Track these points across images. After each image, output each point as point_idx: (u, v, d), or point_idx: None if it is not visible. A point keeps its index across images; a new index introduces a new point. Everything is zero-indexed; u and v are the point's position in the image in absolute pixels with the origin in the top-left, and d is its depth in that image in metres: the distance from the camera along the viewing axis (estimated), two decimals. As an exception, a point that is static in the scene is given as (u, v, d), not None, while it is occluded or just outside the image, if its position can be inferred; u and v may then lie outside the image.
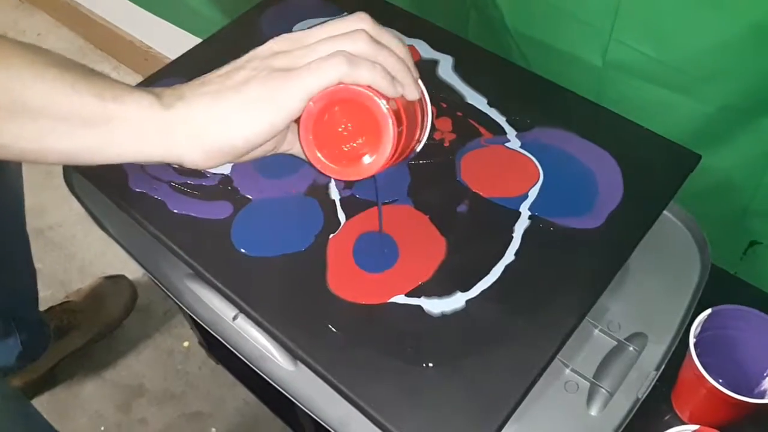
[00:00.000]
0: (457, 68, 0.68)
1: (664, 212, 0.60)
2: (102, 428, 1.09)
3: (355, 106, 0.41)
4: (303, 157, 0.45)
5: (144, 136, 0.37)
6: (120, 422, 1.10)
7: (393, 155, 0.42)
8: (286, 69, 0.39)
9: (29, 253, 0.99)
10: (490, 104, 0.65)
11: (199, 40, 0.75)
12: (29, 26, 1.75)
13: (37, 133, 0.37)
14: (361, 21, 0.42)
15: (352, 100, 0.41)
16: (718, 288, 0.61)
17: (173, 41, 1.23)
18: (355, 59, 0.39)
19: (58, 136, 0.37)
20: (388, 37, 0.43)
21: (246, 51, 0.69)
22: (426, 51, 0.70)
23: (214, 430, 1.07)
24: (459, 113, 0.64)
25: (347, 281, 0.53)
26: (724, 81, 0.58)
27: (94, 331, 1.15)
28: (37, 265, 1.09)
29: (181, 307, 0.66)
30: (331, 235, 0.56)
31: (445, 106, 0.65)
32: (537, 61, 0.72)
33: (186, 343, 1.16)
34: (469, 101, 0.65)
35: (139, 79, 0.69)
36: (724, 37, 0.56)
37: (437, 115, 0.64)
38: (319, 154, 0.43)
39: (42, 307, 1.10)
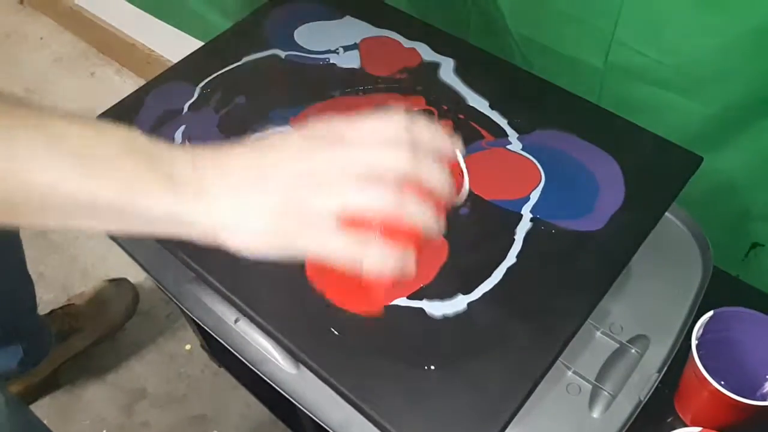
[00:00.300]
0: (459, 71, 0.68)
1: (666, 214, 0.60)
2: (104, 431, 1.09)
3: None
4: None
5: (158, 225, 0.37)
6: (122, 425, 1.10)
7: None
8: (305, 210, 0.36)
9: (24, 262, 0.99)
10: (492, 107, 0.65)
11: (201, 44, 0.76)
12: (32, 30, 1.75)
13: (52, 223, 0.37)
14: (398, 163, 0.37)
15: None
16: (720, 290, 0.61)
17: (176, 45, 1.23)
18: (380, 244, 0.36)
19: (69, 225, 0.38)
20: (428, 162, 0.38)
21: (246, 54, 0.70)
22: (427, 53, 0.70)
23: (216, 433, 1.07)
24: (461, 116, 0.64)
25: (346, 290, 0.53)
26: (726, 83, 0.58)
27: (97, 335, 1.15)
28: (39, 268, 1.10)
29: (183, 311, 0.66)
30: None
31: (446, 108, 0.65)
32: (539, 64, 0.72)
33: (188, 347, 1.16)
34: (471, 104, 0.65)
35: (142, 82, 0.69)
36: (726, 39, 0.56)
37: (438, 117, 0.64)
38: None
39: (44, 310, 1.10)
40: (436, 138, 0.39)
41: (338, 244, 0.36)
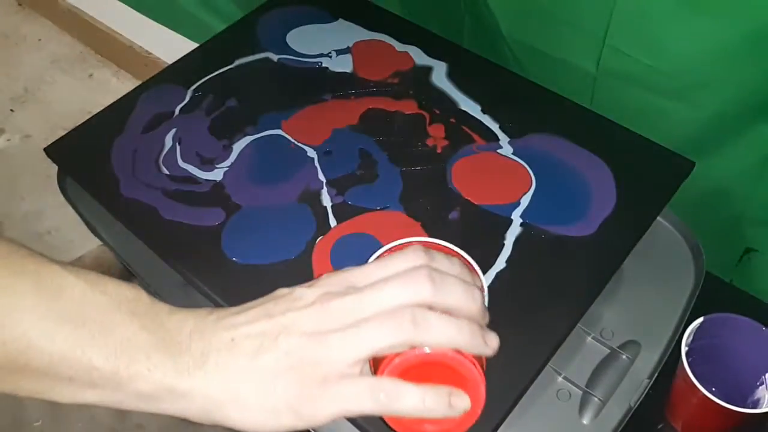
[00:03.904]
0: (451, 75, 0.68)
1: (658, 219, 0.60)
2: (98, 434, 1.09)
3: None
4: None
5: (153, 400, 0.33)
6: (116, 428, 1.09)
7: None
8: (321, 371, 0.33)
9: None
10: (484, 111, 0.64)
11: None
12: (30, 32, 1.76)
13: (39, 389, 0.33)
14: (417, 293, 0.34)
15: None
16: (713, 296, 0.60)
17: (173, 47, 1.23)
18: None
19: (60, 393, 0.34)
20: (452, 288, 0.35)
21: (238, 57, 0.70)
22: (420, 57, 0.70)
23: (209, 435, 1.07)
24: (452, 120, 0.64)
25: None
26: (718, 88, 0.58)
27: None
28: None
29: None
30: (318, 239, 0.55)
31: (438, 112, 0.64)
32: (531, 68, 0.72)
33: (183, 349, 1.16)
34: (463, 108, 0.65)
35: (138, 83, 0.69)
36: (718, 43, 0.55)
37: (430, 121, 0.64)
38: None
39: None
40: (454, 265, 0.37)
41: (367, 400, 0.33)
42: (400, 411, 0.33)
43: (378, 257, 0.43)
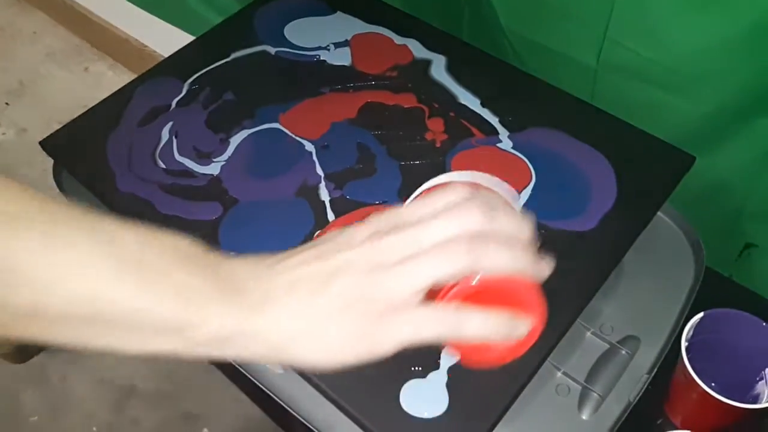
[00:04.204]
0: (451, 68, 0.67)
1: (658, 214, 0.60)
2: (94, 428, 1.09)
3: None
4: None
5: (219, 345, 0.33)
6: (112, 422, 1.09)
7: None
8: (382, 304, 0.33)
9: None
10: (483, 104, 0.64)
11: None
12: (25, 24, 1.74)
13: (109, 342, 0.33)
14: (468, 220, 0.34)
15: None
16: (712, 291, 0.60)
17: (169, 40, 1.22)
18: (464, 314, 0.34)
19: (129, 344, 0.33)
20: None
21: (235, 50, 0.70)
22: (419, 50, 0.69)
23: (206, 430, 1.07)
24: (451, 113, 0.63)
25: None
26: (719, 81, 0.58)
27: None
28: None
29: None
30: (316, 234, 0.55)
31: (437, 106, 0.64)
32: (531, 61, 0.71)
33: (179, 344, 1.16)
34: (462, 101, 0.64)
35: (134, 77, 0.68)
36: (719, 37, 0.55)
37: (429, 115, 0.63)
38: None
39: None
40: (499, 197, 0.37)
41: (431, 326, 0.33)
42: (464, 335, 0.34)
43: (417, 197, 0.42)
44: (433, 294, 0.34)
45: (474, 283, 0.34)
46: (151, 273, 0.32)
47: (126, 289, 0.31)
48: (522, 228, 0.36)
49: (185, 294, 0.32)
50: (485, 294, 0.34)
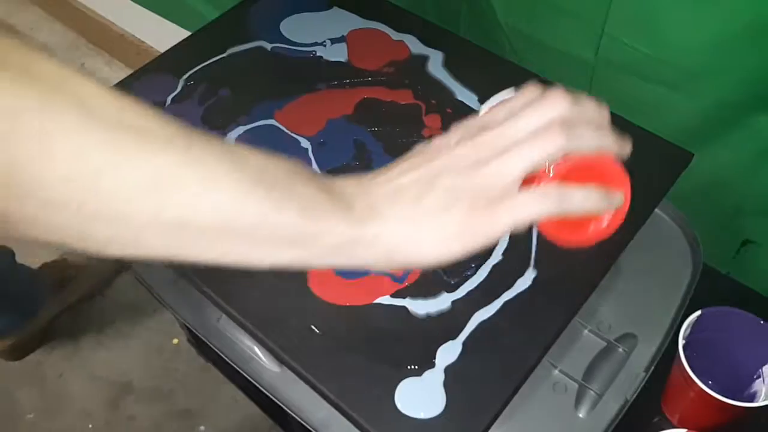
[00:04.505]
0: (448, 64, 0.67)
1: (656, 211, 0.60)
2: (90, 426, 1.09)
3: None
4: None
5: (339, 253, 0.35)
6: (108, 420, 1.09)
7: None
8: (486, 195, 0.35)
9: None
10: (481, 101, 0.64)
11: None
12: (21, 20, 1.73)
13: (238, 254, 0.34)
14: (554, 108, 0.36)
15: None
16: (710, 288, 0.60)
17: (165, 35, 1.22)
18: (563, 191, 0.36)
19: (258, 256, 0.34)
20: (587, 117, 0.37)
21: (231, 46, 0.69)
22: (416, 46, 0.69)
23: (202, 428, 1.06)
24: (449, 110, 0.63)
25: (329, 282, 0.52)
26: (717, 78, 0.57)
27: (89, 285, 1.18)
28: (27, 260, 1.09)
29: (166, 308, 0.65)
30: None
31: (434, 102, 0.64)
32: (528, 57, 0.71)
33: (175, 340, 1.15)
34: (459, 98, 0.64)
35: (131, 72, 0.68)
36: (717, 33, 0.55)
37: (426, 112, 0.63)
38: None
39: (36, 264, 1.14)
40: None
41: (537, 205, 0.35)
42: (568, 209, 0.35)
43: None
44: (527, 182, 0.35)
45: (567, 160, 0.36)
46: (277, 188, 0.33)
47: (256, 203, 0.32)
48: (603, 110, 0.38)
49: (308, 207, 0.34)
50: (578, 173, 0.36)
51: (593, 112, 0.37)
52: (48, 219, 0.30)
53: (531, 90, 0.38)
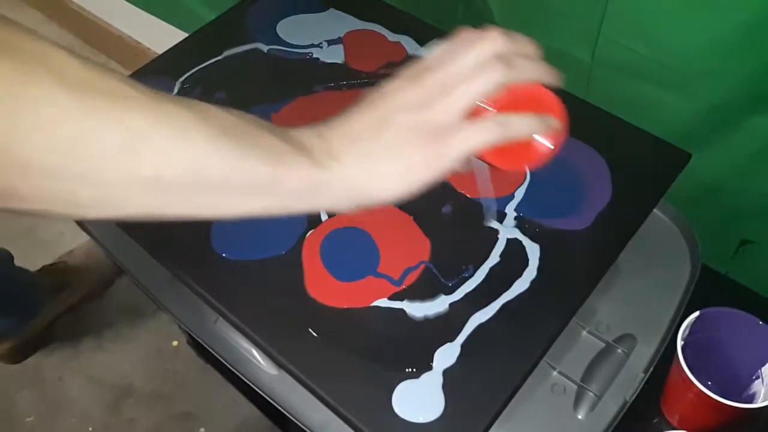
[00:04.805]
0: (444, 65, 0.66)
1: (654, 211, 0.60)
2: (90, 428, 1.08)
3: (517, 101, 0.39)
4: None
5: (305, 197, 0.37)
6: (108, 422, 1.09)
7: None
8: (437, 129, 0.37)
9: None
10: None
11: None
12: (18, 22, 1.73)
13: (212, 205, 0.36)
14: (491, 45, 0.38)
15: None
16: (709, 288, 0.60)
17: (163, 37, 1.22)
18: (506, 119, 0.38)
19: (230, 206, 0.36)
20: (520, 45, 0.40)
21: (227, 48, 0.69)
22: (412, 47, 0.68)
23: (203, 430, 1.06)
24: (445, 111, 0.63)
25: (326, 285, 0.52)
26: (715, 78, 0.57)
27: (87, 288, 1.18)
28: (26, 263, 1.08)
29: (164, 310, 0.65)
30: (308, 234, 0.55)
31: (431, 103, 0.63)
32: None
33: (175, 343, 1.15)
34: (456, 99, 0.64)
35: (129, 74, 0.68)
36: (715, 34, 0.55)
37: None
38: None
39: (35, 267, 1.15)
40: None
41: (482, 134, 0.37)
42: (510, 135, 0.38)
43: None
44: (472, 116, 0.38)
45: (507, 90, 0.38)
46: (242, 140, 0.35)
47: (225, 155, 0.34)
48: (533, 44, 0.40)
49: (272, 156, 0.35)
50: (516, 103, 0.39)
51: (527, 47, 0.40)
52: (31, 189, 0.31)
53: (467, 32, 0.40)
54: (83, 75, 0.31)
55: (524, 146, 0.40)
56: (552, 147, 0.40)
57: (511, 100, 0.38)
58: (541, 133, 0.40)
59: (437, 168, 0.37)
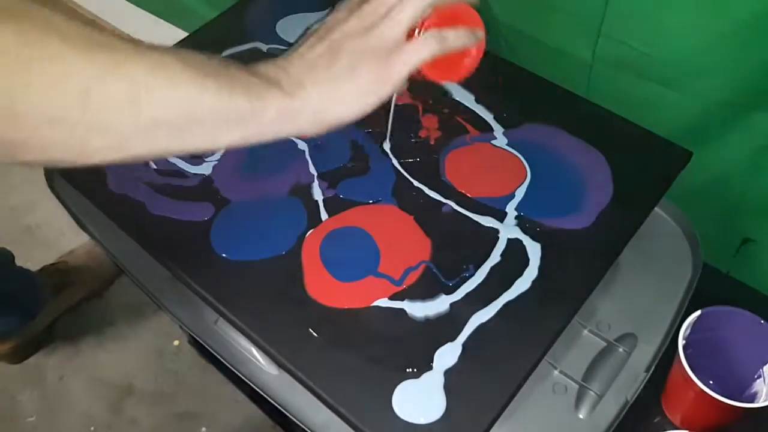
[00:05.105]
0: (444, 64, 0.66)
1: (656, 210, 0.59)
2: (92, 428, 1.08)
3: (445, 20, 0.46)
4: None
5: (274, 124, 0.41)
6: (110, 422, 1.09)
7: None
8: (383, 50, 0.43)
9: None
10: (478, 101, 0.63)
11: (186, 35, 0.74)
12: None
13: (202, 139, 0.40)
14: None
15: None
16: (710, 287, 0.60)
17: (161, 36, 1.22)
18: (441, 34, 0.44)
19: (217, 138, 0.40)
20: None
21: (227, 47, 0.69)
22: (412, 46, 0.68)
23: (204, 429, 1.06)
24: (445, 110, 0.63)
25: (326, 286, 0.51)
26: (715, 76, 0.57)
27: (89, 287, 1.18)
28: (26, 263, 1.08)
29: (165, 310, 0.65)
30: (308, 233, 0.55)
31: (431, 102, 0.63)
32: (526, 56, 0.70)
33: (176, 342, 1.15)
34: (456, 97, 0.64)
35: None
36: (715, 32, 0.54)
37: (423, 112, 0.63)
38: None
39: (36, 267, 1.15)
40: None
41: (424, 48, 0.43)
42: (446, 47, 0.44)
43: None
44: (409, 36, 0.44)
45: (435, 13, 0.45)
46: (221, 78, 0.39)
47: (211, 93, 0.38)
48: None
49: (249, 90, 0.40)
50: (445, 21, 0.46)
51: None
52: (41, 140, 0.34)
53: None
54: (84, 33, 0.34)
55: (455, 58, 0.47)
56: (477, 56, 0.48)
57: (441, 18, 0.45)
58: (471, 44, 0.46)
59: (390, 83, 0.43)
